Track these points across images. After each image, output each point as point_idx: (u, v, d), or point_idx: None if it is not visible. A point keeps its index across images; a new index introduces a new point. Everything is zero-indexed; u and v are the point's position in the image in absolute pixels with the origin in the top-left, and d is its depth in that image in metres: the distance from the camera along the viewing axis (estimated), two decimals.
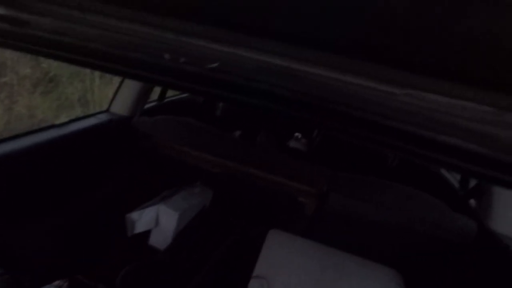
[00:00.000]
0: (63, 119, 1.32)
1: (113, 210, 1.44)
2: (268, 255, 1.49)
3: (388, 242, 1.51)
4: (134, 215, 1.37)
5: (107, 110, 1.61)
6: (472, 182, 1.60)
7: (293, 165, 1.63)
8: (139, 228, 1.36)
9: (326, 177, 1.52)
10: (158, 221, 1.37)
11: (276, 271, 1.39)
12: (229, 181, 1.69)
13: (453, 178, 1.89)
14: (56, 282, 0.95)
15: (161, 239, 1.35)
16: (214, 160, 1.64)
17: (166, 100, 2.11)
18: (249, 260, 1.44)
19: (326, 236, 1.60)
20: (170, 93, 2.14)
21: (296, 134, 2.54)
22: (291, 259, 1.49)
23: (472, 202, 1.53)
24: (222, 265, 1.31)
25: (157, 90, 1.98)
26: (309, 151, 2.39)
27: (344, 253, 1.56)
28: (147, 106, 1.90)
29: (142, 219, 1.37)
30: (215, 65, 0.40)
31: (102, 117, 1.51)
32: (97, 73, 3.41)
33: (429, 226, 1.38)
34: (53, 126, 1.26)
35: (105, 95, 3.34)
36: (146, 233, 1.44)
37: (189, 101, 2.44)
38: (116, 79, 2.46)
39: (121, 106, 1.58)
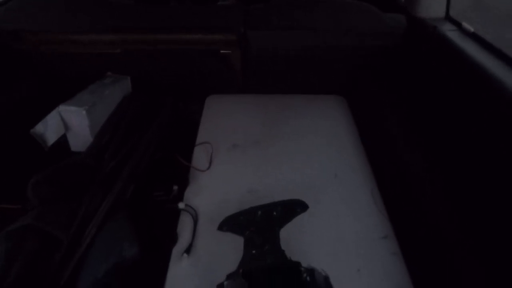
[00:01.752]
0: None
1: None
2: (208, 121, 1.34)
3: (326, 69, 1.37)
4: (38, 127, 1.11)
5: None
6: None
7: (205, 14, 1.31)
8: (50, 138, 1.12)
9: (241, 16, 1.25)
10: (67, 125, 1.13)
11: (219, 134, 1.27)
12: (142, 59, 1.38)
13: None
14: None
15: (81, 143, 1.14)
16: (114, 39, 1.28)
17: None
18: (190, 134, 1.29)
19: (262, 85, 1.45)
20: None
21: None
22: (232, 117, 1.36)
23: None
24: (158, 144, 1.15)
25: None
26: None
27: (284, 95, 1.44)
28: None
29: (48, 129, 1.11)
30: None
31: None
32: None
33: (361, 37, 1.23)
34: None
35: None
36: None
37: None
38: None
39: None
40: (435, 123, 1.03)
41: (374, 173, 1.10)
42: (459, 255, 0.80)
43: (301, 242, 0.91)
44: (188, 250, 0.90)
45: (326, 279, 0.70)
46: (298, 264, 0.71)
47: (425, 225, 0.86)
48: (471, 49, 0.97)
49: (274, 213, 0.83)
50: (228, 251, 0.87)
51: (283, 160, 1.15)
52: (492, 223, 0.77)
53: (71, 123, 1.12)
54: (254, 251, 0.78)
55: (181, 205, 1.01)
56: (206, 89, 1.49)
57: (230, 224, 0.87)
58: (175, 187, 1.06)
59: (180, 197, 1.05)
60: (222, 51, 1.25)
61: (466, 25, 1.11)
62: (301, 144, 1.21)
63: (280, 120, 1.32)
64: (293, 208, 0.83)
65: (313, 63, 1.34)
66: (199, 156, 1.19)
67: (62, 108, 1.09)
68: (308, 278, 0.68)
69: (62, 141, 1.19)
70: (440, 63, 1.08)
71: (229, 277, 0.74)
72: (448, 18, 1.21)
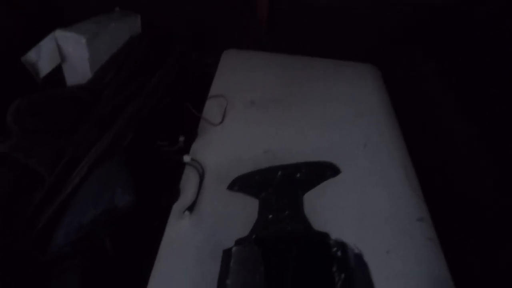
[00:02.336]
0: None
1: None
2: (224, 74, 1.18)
3: (361, 30, 1.19)
4: (30, 54, 0.95)
5: None
6: None
7: None
8: (44, 68, 0.96)
9: None
10: (63, 54, 0.97)
11: (235, 89, 1.11)
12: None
13: None
14: None
15: (79, 78, 0.98)
16: None
17: None
18: (202, 87, 1.14)
19: (287, 43, 1.27)
20: None
21: None
22: (250, 74, 1.20)
23: None
24: (166, 90, 1.00)
25: None
26: None
27: (311, 58, 1.27)
28: None
29: (42, 57, 0.95)
30: None
31: None
32: None
33: None
34: None
35: None
36: None
37: None
38: None
39: None
40: (493, 97, 0.87)
41: (409, 149, 0.95)
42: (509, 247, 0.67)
43: (321, 214, 0.78)
44: (191, 208, 0.76)
45: (359, 257, 0.57)
46: (326, 235, 0.57)
47: (471, 212, 0.72)
48: None
49: (298, 175, 0.68)
50: (237, 214, 0.74)
51: (305, 123, 1.00)
52: None
53: (68, 52, 0.96)
54: (270, 216, 0.64)
55: (186, 158, 0.87)
56: (223, 42, 1.32)
57: (243, 183, 0.73)
58: (182, 138, 0.91)
59: (186, 150, 0.90)
60: None
61: None
62: (327, 109, 1.06)
63: (304, 82, 1.16)
64: (321, 171, 0.69)
65: (348, 19, 1.17)
66: (211, 109, 1.03)
67: (59, 33, 0.93)
68: (339, 253, 0.54)
69: (58, 76, 1.04)
70: (501, 27, 0.91)
71: (239, 242, 0.61)
72: None
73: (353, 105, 1.08)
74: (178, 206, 0.78)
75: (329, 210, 0.77)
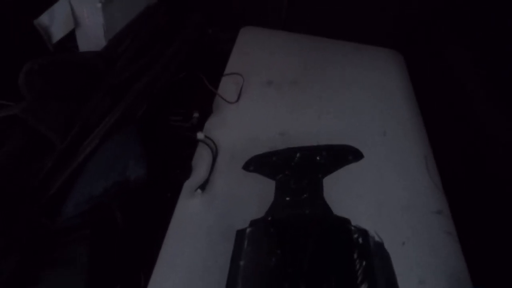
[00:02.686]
0: None
1: None
2: (241, 52, 1.13)
3: (381, 15, 1.12)
4: (43, 18, 0.90)
5: None
6: None
7: None
8: (57, 34, 0.92)
9: None
10: (77, 19, 0.92)
11: (252, 67, 1.06)
12: None
13: None
14: None
15: (92, 45, 0.94)
16: None
17: None
18: (218, 64, 1.08)
19: (308, 23, 1.20)
20: None
21: None
22: (268, 53, 1.14)
23: None
24: (181, 64, 0.95)
25: None
26: None
27: (332, 40, 1.20)
28: None
29: (55, 21, 0.90)
30: None
31: None
32: None
33: None
34: None
35: None
36: None
37: None
38: None
39: None
40: None
41: (430, 140, 0.90)
42: None
43: (338, 200, 0.75)
44: (203, 186, 0.73)
45: (380, 246, 0.54)
46: (347, 221, 0.54)
47: (496, 208, 0.68)
48: None
49: (318, 158, 0.65)
50: (251, 195, 0.71)
51: (323, 106, 0.96)
52: None
53: (83, 17, 0.91)
54: (288, 198, 0.61)
55: (200, 135, 0.83)
56: (242, 19, 1.26)
57: (259, 163, 0.70)
58: (196, 115, 0.88)
59: (200, 126, 0.87)
60: None
61: None
62: (346, 93, 1.01)
63: (323, 64, 1.11)
64: (343, 155, 0.65)
65: (371, 11, 1.10)
66: (227, 87, 0.99)
67: None
68: (360, 240, 0.51)
69: (70, 46, 0.99)
70: None
71: (253, 223, 0.58)
72: None
73: (373, 91, 1.03)
74: (190, 184, 0.75)
75: (345, 197, 0.74)
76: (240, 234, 0.57)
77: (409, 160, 0.85)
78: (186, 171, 0.76)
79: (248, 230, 0.57)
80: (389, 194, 0.77)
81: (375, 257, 0.52)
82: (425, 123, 0.94)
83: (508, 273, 0.62)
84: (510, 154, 0.68)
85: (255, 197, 0.70)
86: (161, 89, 0.88)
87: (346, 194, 0.75)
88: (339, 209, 0.71)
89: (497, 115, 0.74)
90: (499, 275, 0.64)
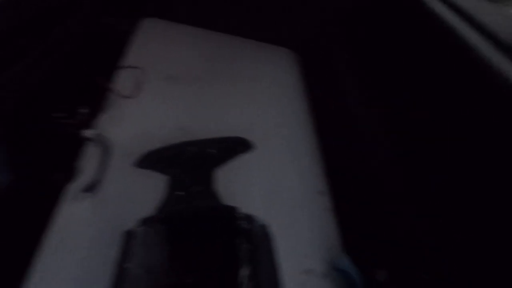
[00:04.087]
0: None
1: None
2: (140, 44, 1.05)
3: (283, 16, 1.18)
4: None
5: None
6: None
7: None
8: None
9: None
10: None
11: (152, 60, 0.99)
12: None
13: None
14: None
15: None
16: None
17: None
18: (114, 56, 0.98)
19: (208, 18, 1.19)
20: None
21: None
22: (170, 47, 1.09)
23: None
24: (66, 53, 0.83)
25: None
26: None
27: (232, 36, 1.21)
28: None
29: None
30: None
31: None
32: None
33: None
34: None
35: None
36: None
37: None
38: None
39: None
40: (396, 84, 0.95)
41: (318, 131, 0.99)
42: (400, 219, 0.74)
43: (234, 189, 0.76)
44: (90, 189, 0.66)
45: (264, 228, 0.57)
46: (233, 208, 0.55)
47: (368, 186, 0.79)
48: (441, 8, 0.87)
49: (209, 151, 0.64)
50: (147, 194, 0.66)
51: (222, 101, 0.96)
52: (441, 187, 0.72)
53: None
54: (179, 193, 0.59)
55: (88, 133, 0.74)
56: (143, 10, 1.16)
57: (152, 159, 0.66)
58: (84, 110, 0.77)
59: (89, 123, 0.77)
60: None
61: None
62: (244, 88, 1.03)
63: (224, 60, 1.11)
64: (233, 146, 0.66)
65: (272, 14, 1.14)
66: (124, 81, 0.90)
67: None
68: (244, 225, 0.53)
69: None
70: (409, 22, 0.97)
71: (144, 222, 0.54)
72: None
73: (270, 87, 1.08)
74: (76, 187, 0.66)
75: (241, 185, 0.76)
76: (127, 234, 0.53)
77: (298, 148, 0.92)
78: (70, 173, 0.67)
79: (138, 230, 0.53)
80: (278, 179, 0.82)
81: (260, 239, 0.54)
82: (315, 116, 1.03)
83: (375, 244, 0.72)
84: (375, 141, 0.79)
85: (150, 195, 0.66)
86: (38, 82, 0.75)
87: (243, 182, 0.78)
88: (235, 197, 0.73)
89: (365, 110, 0.85)
90: (368, 245, 0.75)
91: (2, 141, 0.58)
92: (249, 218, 0.53)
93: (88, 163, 0.71)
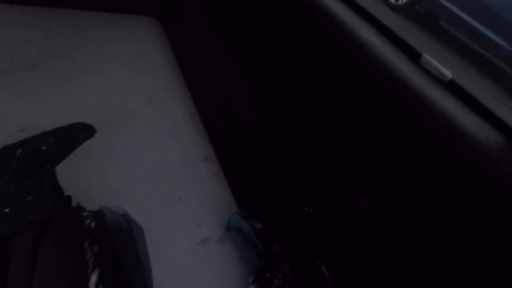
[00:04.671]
0: None
1: None
2: None
3: None
4: None
5: None
6: None
7: None
8: None
9: None
10: None
11: None
12: None
13: None
14: None
15: None
16: None
17: None
18: None
19: None
20: None
21: None
22: (14, 30, 0.86)
23: None
24: None
25: None
26: None
27: (80, 11, 1.02)
28: None
29: None
30: None
31: None
32: None
33: None
34: None
35: None
36: None
37: None
38: None
39: None
40: (251, 40, 0.92)
41: (194, 97, 0.93)
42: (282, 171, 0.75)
43: (110, 178, 0.67)
44: None
45: (125, 216, 0.50)
46: (77, 209, 0.47)
47: (243, 141, 0.78)
48: None
49: (44, 148, 0.53)
50: None
51: (76, 89, 0.81)
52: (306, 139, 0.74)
53: None
54: (7, 210, 0.47)
55: None
56: None
57: None
58: None
59: None
60: None
61: None
62: (103, 69, 0.89)
63: (72, 41, 0.92)
64: (72, 135, 0.55)
65: None
66: None
67: None
68: (92, 224, 0.45)
69: None
70: None
71: None
72: None
73: (133, 63, 0.95)
74: None
75: (117, 173, 0.68)
76: None
77: (176, 120, 0.85)
78: None
79: None
80: (160, 156, 0.76)
81: (118, 231, 0.48)
82: (188, 85, 0.96)
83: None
84: (247, 106, 0.77)
85: None
86: None
87: (118, 169, 0.69)
88: (108, 188, 0.65)
89: (236, 78, 0.82)
90: (258, 201, 0.75)
91: None
92: (98, 215, 0.46)
93: None
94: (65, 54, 0.87)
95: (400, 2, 3.23)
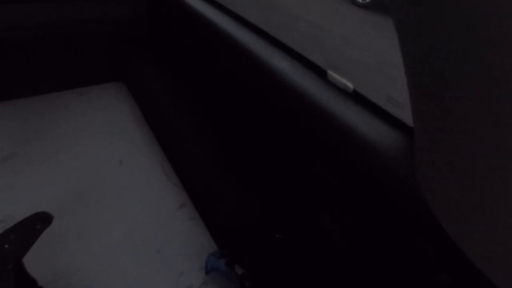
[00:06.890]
0: None
1: None
2: None
3: (98, 55, 1.06)
4: None
5: None
6: None
7: None
8: None
9: None
10: None
11: None
12: None
13: None
14: None
15: None
16: None
17: None
18: None
19: (15, 85, 1.00)
20: None
21: None
22: None
23: None
24: None
25: None
26: None
27: (49, 94, 1.05)
28: None
29: None
30: None
31: None
32: None
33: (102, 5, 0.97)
34: None
35: None
36: None
37: None
38: None
39: None
40: (196, 83, 0.93)
41: (164, 150, 0.93)
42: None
43: (89, 244, 0.67)
44: None
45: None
46: None
47: (204, 182, 0.77)
48: (201, 7, 0.88)
49: (6, 246, 0.52)
50: None
51: (51, 169, 0.83)
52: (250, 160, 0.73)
53: None
54: None
55: None
56: None
57: None
58: None
59: None
60: None
61: None
62: (78, 143, 0.91)
63: (44, 123, 0.95)
64: (31, 228, 0.55)
65: (65, 45, 1.00)
66: None
67: None
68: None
69: None
70: (182, 27, 0.96)
71: None
72: None
73: (104, 128, 0.97)
74: None
75: (95, 238, 0.69)
76: None
77: (149, 175, 0.85)
78: None
79: None
80: (136, 214, 0.76)
81: None
82: (157, 137, 0.96)
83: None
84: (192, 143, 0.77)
85: None
86: None
87: (96, 235, 0.69)
88: (89, 255, 0.65)
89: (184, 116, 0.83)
90: (234, 237, 0.72)
91: None
92: None
93: None
94: (41, 137, 0.90)
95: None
